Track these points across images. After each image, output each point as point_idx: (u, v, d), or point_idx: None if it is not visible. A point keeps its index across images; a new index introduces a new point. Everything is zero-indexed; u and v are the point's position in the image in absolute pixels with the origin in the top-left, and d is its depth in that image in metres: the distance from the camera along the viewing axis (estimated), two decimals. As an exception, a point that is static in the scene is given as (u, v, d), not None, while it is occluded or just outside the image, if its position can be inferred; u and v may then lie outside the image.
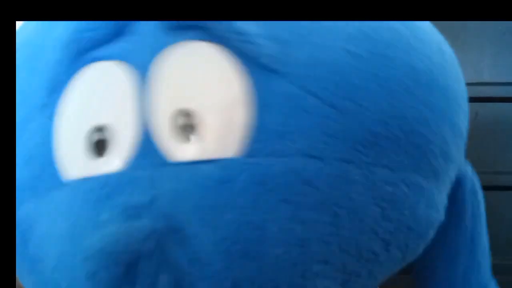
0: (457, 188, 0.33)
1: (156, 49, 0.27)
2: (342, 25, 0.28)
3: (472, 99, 0.33)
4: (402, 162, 0.28)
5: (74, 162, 0.27)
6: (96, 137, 0.27)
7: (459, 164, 0.32)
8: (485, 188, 0.35)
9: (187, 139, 0.26)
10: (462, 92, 0.32)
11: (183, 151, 0.26)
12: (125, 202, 0.25)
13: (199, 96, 0.26)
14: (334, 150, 0.26)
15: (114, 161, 0.26)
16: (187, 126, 0.26)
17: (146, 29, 0.27)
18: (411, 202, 0.28)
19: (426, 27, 0.32)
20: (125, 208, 0.25)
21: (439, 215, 0.31)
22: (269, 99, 0.26)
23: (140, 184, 0.26)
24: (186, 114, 0.26)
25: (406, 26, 0.30)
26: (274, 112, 0.26)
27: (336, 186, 0.26)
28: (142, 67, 0.27)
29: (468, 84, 0.33)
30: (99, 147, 0.27)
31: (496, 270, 0.35)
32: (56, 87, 0.28)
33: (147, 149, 0.26)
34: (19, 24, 0.32)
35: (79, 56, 0.27)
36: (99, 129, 0.27)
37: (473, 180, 0.34)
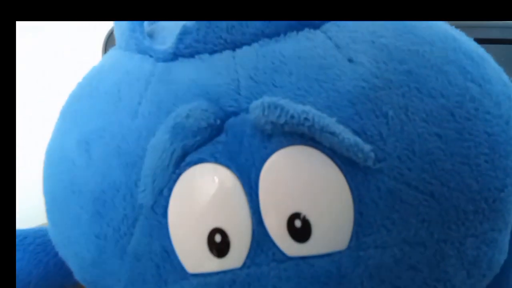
0: None
1: (257, 153, 0.28)
2: (429, 105, 0.29)
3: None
4: (484, 227, 0.30)
5: (196, 258, 0.29)
6: (216, 238, 0.29)
7: None
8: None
9: (299, 237, 0.28)
10: None
11: (297, 248, 0.28)
12: None
13: (309, 201, 0.28)
14: (432, 234, 0.29)
15: (234, 259, 0.29)
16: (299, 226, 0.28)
17: (240, 130, 0.29)
18: (489, 256, 0.31)
19: (492, 74, 0.32)
20: None
21: (506, 255, 0.33)
22: (371, 195, 0.28)
23: (264, 280, 0.28)
24: (298, 216, 0.28)
25: (477, 83, 0.30)
26: (377, 207, 0.28)
27: (435, 264, 0.29)
28: (245, 171, 0.28)
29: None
30: (217, 245, 0.29)
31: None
32: (162, 190, 0.29)
33: (265, 248, 0.28)
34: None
35: (181, 161, 0.29)
36: (217, 230, 0.29)
37: None
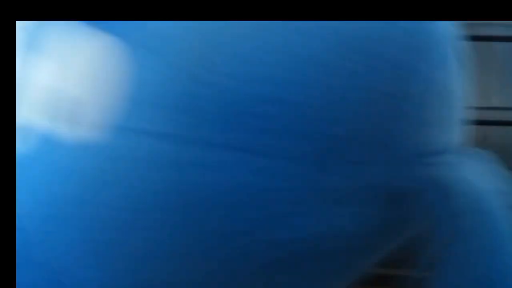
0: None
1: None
2: None
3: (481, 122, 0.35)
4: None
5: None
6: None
7: None
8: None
9: (66, 120, 0.27)
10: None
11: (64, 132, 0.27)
12: None
13: (73, 77, 0.27)
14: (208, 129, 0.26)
15: None
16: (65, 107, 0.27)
17: None
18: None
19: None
20: None
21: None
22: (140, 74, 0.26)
23: None
24: (63, 96, 0.27)
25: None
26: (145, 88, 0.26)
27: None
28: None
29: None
30: None
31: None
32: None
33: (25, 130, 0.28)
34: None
35: None
36: None
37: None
